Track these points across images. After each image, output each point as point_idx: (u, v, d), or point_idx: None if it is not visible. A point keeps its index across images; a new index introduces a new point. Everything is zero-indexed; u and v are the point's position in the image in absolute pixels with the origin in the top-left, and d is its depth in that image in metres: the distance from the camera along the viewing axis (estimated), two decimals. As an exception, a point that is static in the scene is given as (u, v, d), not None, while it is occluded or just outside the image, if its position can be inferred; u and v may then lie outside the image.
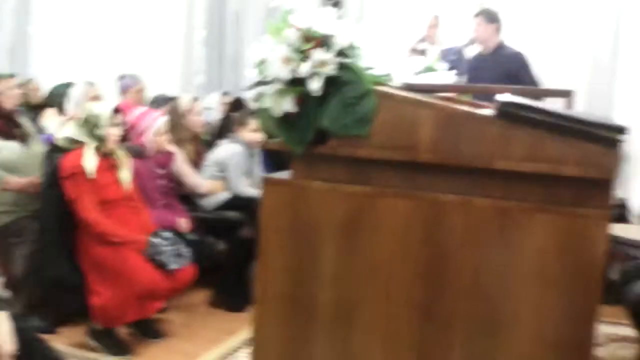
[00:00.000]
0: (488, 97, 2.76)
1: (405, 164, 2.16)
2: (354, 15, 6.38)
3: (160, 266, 3.77)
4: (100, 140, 3.84)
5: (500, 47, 5.61)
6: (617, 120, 3.05)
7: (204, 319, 4.47)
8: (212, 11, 7.22)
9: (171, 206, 4.55)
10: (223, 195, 4.91)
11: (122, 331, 3.95)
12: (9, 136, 4.08)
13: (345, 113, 2.15)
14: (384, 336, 2.25)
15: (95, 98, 5.01)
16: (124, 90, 5.69)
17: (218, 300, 4.71)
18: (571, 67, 5.91)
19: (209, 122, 5.66)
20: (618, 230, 4.70)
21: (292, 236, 2.32)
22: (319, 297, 2.30)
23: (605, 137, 1.96)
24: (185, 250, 3.94)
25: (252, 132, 4.93)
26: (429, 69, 3.28)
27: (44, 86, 6.06)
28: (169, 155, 4.56)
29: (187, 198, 4.86)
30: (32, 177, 4.02)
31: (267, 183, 2.36)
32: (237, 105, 5.72)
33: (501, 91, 2.26)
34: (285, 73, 2.13)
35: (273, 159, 5.17)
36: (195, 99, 5.33)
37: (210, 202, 4.89)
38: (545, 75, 5.56)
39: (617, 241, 4.64)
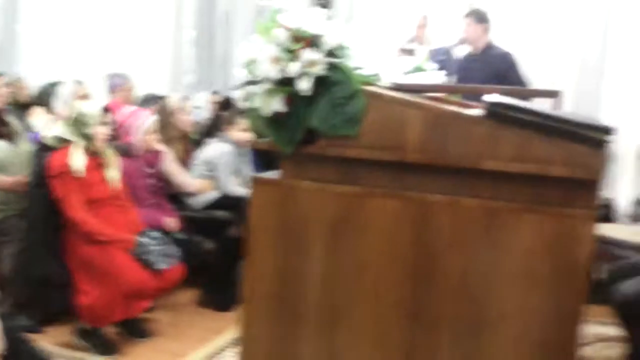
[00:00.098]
0: (477, 97, 2.76)
1: (393, 164, 2.17)
2: (344, 15, 6.38)
3: (148, 265, 3.77)
4: (89, 139, 3.83)
5: (489, 48, 5.62)
6: (604, 120, 3.06)
7: (192, 318, 4.46)
8: (201, 10, 7.21)
9: (160, 205, 4.54)
10: (212, 195, 4.90)
11: (109, 330, 3.93)
12: (-4, 135, 4.08)
13: (334, 113, 2.15)
14: (372, 336, 2.26)
15: (84, 97, 4.99)
16: (113, 89, 5.67)
17: (206, 300, 4.70)
18: (559, 68, 5.94)
19: (198, 122, 5.65)
20: (605, 230, 4.73)
21: (281, 236, 2.32)
22: (307, 297, 2.30)
23: (592, 138, 1.97)
24: (173, 250, 3.94)
25: (241, 132, 4.93)
26: (418, 69, 3.28)
27: (32, 85, 6.03)
28: (157, 154, 4.55)
29: (175, 197, 4.85)
30: (19, 176, 4.01)
31: (256, 183, 2.36)
32: (226, 104, 5.72)
33: (489, 91, 2.27)
34: (274, 73, 2.13)
35: (262, 158, 5.17)
36: (185, 98, 5.33)
37: (198, 202, 4.89)
38: (534, 75, 5.58)
39: (604, 241, 4.67)
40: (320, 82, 2.14)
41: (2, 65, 6.68)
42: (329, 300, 2.28)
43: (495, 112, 2.05)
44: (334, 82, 2.14)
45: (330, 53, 2.15)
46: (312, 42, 2.13)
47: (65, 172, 3.74)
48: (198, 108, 5.82)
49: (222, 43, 7.24)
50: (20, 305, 3.98)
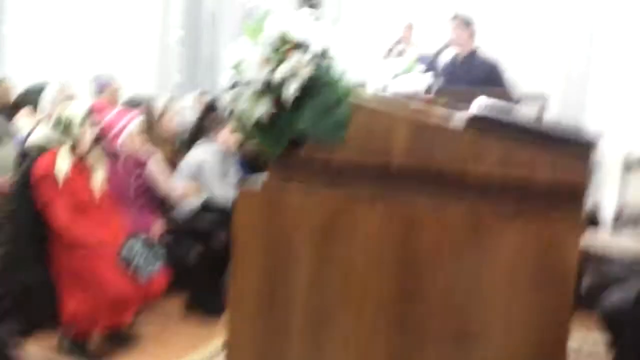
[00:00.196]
0: (464, 101, 2.77)
1: (380, 169, 2.16)
2: (331, 17, 6.38)
3: (133, 271, 3.74)
4: (74, 142, 3.80)
5: (475, 53, 5.63)
6: (590, 127, 3.07)
7: (178, 324, 4.43)
8: (188, 11, 7.19)
9: (146, 209, 4.52)
10: (198, 199, 4.88)
11: (95, 338, 3.90)
12: (-19, 136, 4.05)
13: (321, 118, 2.14)
14: (358, 345, 2.24)
15: (70, 98, 4.96)
16: (99, 90, 5.65)
17: (192, 306, 4.67)
18: (546, 75, 5.96)
19: (185, 123, 5.63)
20: (590, 238, 4.75)
21: (267, 241, 2.30)
22: (294, 305, 2.29)
23: (577, 146, 1.97)
24: (158, 255, 3.92)
25: (227, 135, 4.91)
26: (406, 72, 3.29)
27: (18, 86, 5.99)
28: (143, 157, 4.53)
29: (161, 201, 4.82)
30: (0, 178, 3.97)
31: (242, 187, 2.35)
32: (212, 106, 5.70)
33: (477, 95, 2.27)
34: (261, 76, 2.12)
35: (249, 161, 5.16)
36: (171, 100, 5.31)
37: (185, 206, 4.86)
38: (521, 82, 5.59)
39: (590, 249, 4.69)
40: (308, 87, 2.14)
41: (-13, 67, 6.65)
42: (316, 307, 2.27)
43: (481, 120, 2.04)
44: (320, 87, 2.14)
45: (318, 57, 2.14)
46: (299, 45, 2.12)
47: (50, 176, 3.71)
48: (184, 109, 5.80)
49: (209, 44, 7.22)
50: (5, 311, 3.94)
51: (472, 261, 2.09)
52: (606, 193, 5.40)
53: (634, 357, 3.06)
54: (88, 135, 3.85)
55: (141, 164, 4.52)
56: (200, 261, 4.65)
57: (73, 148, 3.80)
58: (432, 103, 2.76)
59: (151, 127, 4.80)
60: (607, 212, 5.33)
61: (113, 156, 4.27)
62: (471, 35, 5.62)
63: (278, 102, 2.15)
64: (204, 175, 4.90)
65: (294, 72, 2.09)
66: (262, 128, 2.20)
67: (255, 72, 2.11)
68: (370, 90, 2.39)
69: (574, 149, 1.98)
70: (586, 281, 3.71)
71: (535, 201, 2.04)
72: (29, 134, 4.32)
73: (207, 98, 6.05)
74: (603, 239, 4.85)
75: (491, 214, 2.06)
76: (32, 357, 3.70)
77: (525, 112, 2.88)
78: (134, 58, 6.62)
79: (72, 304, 3.70)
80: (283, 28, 2.13)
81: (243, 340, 2.38)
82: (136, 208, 4.46)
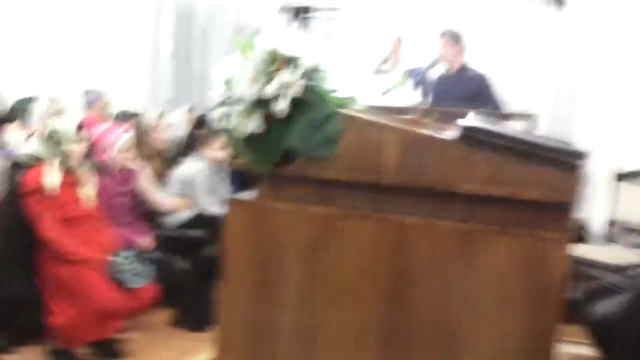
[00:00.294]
0: (453, 118, 2.78)
1: (370, 185, 2.17)
2: (321, 35, 6.40)
3: (121, 285, 3.74)
4: (64, 156, 3.80)
5: (464, 69, 5.66)
6: (578, 142, 3.10)
7: (165, 338, 4.41)
8: (179, 26, 7.20)
9: (134, 224, 4.51)
10: (187, 213, 4.87)
11: (82, 351, 3.88)
12: (-31, 151, 4.03)
13: (311, 134, 2.15)
14: (348, 357, 2.25)
15: (59, 113, 4.95)
16: (88, 105, 5.64)
17: (180, 320, 4.66)
18: (535, 92, 6.00)
19: (174, 139, 5.63)
20: (579, 250, 4.77)
21: (257, 257, 2.30)
22: (283, 320, 2.29)
23: (565, 161, 1.99)
24: (146, 269, 3.91)
25: (217, 150, 4.91)
26: (394, 89, 3.30)
27: (7, 100, 5.97)
28: (132, 172, 4.53)
29: (150, 216, 4.81)
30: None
31: (232, 203, 2.35)
32: (202, 121, 5.70)
33: (465, 113, 2.28)
34: (252, 92, 2.13)
35: (239, 177, 5.15)
36: (160, 115, 5.31)
37: (173, 220, 4.86)
38: (510, 99, 5.63)
39: (578, 261, 4.71)
40: (297, 103, 2.14)
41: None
42: (306, 322, 2.27)
43: (470, 136, 2.06)
44: (310, 103, 2.14)
45: (307, 74, 2.15)
46: (289, 63, 2.13)
47: (39, 190, 3.71)
48: (174, 125, 5.79)
49: (200, 59, 7.23)
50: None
51: (461, 275, 2.10)
52: (596, 207, 5.43)
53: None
54: (78, 149, 3.85)
55: (130, 179, 4.52)
56: (188, 275, 4.64)
57: (62, 162, 3.80)
58: (421, 120, 2.77)
59: (141, 141, 4.79)
60: (597, 226, 5.35)
61: (102, 171, 4.27)
62: (460, 51, 5.65)
63: (268, 118, 2.15)
64: (194, 190, 4.90)
65: (285, 88, 2.10)
66: (253, 144, 2.20)
67: (246, 89, 2.12)
68: (360, 106, 2.40)
69: (562, 164, 1.99)
70: (575, 293, 3.72)
71: (523, 215, 2.05)
72: (18, 148, 4.31)
73: (196, 113, 6.05)
74: (593, 252, 4.87)
75: (480, 228, 2.07)
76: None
77: (515, 127, 2.90)
78: (124, 72, 6.61)
79: (60, 314, 3.69)
80: (274, 44, 2.14)
81: (233, 356, 2.38)
82: (125, 223, 4.45)
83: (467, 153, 2.05)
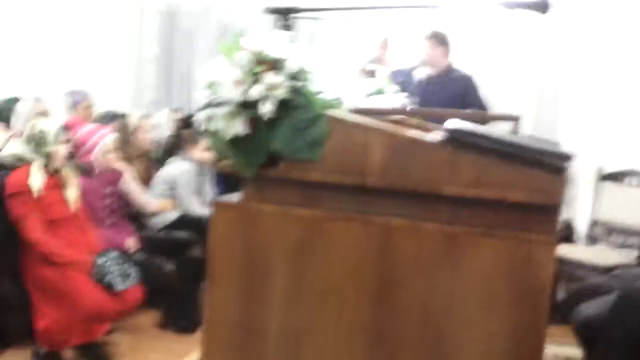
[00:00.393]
0: (438, 119, 2.78)
1: (355, 187, 2.17)
2: (306, 37, 6.40)
3: (107, 287, 3.72)
4: (48, 157, 3.78)
5: (449, 70, 5.66)
6: (563, 143, 3.11)
7: (153, 340, 4.40)
8: (163, 27, 7.17)
9: (119, 225, 4.49)
10: (172, 215, 4.86)
11: (68, 354, 3.86)
12: (-49, 153, 4.00)
13: (297, 137, 2.15)
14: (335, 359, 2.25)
15: (43, 114, 4.93)
16: (73, 106, 5.61)
17: (167, 322, 4.64)
18: (519, 93, 6.02)
19: (159, 140, 5.60)
20: (565, 251, 4.80)
21: (243, 260, 2.30)
22: (270, 322, 2.29)
23: (551, 163, 1.99)
24: (132, 271, 3.89)
25: (203, 151, 4.90)
26: (380, 91, 3.30)
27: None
28: (117, 173, 4.51)
29: (135, 217, 4.80)
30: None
31: (218, 206, 2.34)
32: (187, 122, 5.68)
33: (450, 115, 2.28)
34: (236, 95, 2.12)
35: (225, 177, 5.15)
36: (145, 116, 5.29)
37: (159, 221, 4.84)
38: (494, 101, 5.64)
39: (564, 262, 4.74)
40: (283, 106, 2.14)
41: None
42: (292, 325, 2.27)
43: (455, 138, 2.06)
44: (296, 105, 2.14)
45: (293, 76, 2.14)
46: (274, 65, 2.13)
47: (24, 192, 3.68)
48: (158, 126, 5.77)
49: (184, 60, 7.21)
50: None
51: (447, 277, 2.11)
52: (579, 207, 5.46)
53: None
54: (61, 151, 3.83)
55: (115, 180, 4.50)
56: (174, 277, 4.63)
57: (46, 164, 3.78)
58: (406, 122, 2.77)
59: (124, 144, 4.77)
60: (580, 226, 5.38)
61: (87, 172, 4.25)
62: (445, 52, 5.65)
63: (253, 121, 2.15)
64: (179, 191, 4.89)
65: (269, 91, 2.10)
66: (237, 147, 2.20)
67: (230, 92, 2.11)
68: (346, 107, 2.40)
69: (548, 166, 2.00)
70: (562, 294, 3.73)
71: (509, 218, 2.06)
72: (1, 150, 4.28)
73: (180, 114, 6.03)
74: (578, 252, 4.90)
75: (466, 230, 2.08)
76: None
77: (500, 129, 2.91)
78: (108, 73, 6.58)
79: (46, 317, 3.67)
80: (259, 46, 2.14)
81: (219, 358, 2.37)
82: (110, 224, 4.43)
83: (453, 155, 2.05)
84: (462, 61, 5.80)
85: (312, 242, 2.23)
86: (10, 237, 3.72)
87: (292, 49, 2.16)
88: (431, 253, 2.11)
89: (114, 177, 4.49)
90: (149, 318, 4.63)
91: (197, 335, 2.59)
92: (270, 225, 2.26)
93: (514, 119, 2.57)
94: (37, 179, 3.71)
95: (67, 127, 3.94)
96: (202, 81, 2.22)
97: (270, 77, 2.10)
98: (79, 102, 5.60)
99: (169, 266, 4.62)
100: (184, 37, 7.15)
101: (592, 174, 5.40)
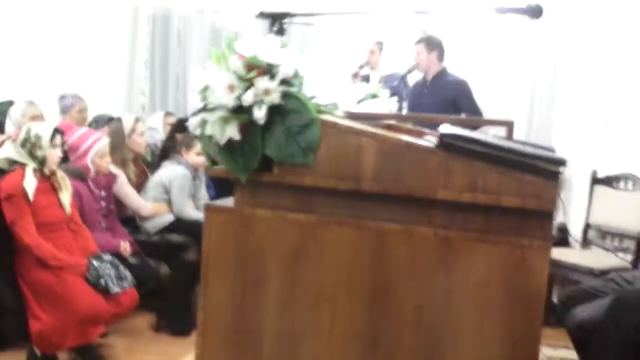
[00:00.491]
0: (430, 124, 2.79)
1: (349, 192, 2.17)
2: (298, 42, 6.40)
3: (102, 290, 3.71)
4: (40, 161, 3.77)
5: (442, 74, 5.66)
6: (557, 147, 3.11)
7: (148, 343, 4.40)
8: (155, 30, 7.16)
9: (114, 229, 4.48)
10: (167, 218, 4.85)
11: (63, 356, 3.86)
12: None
13: (290, 141, 2.14)
14: (329, 364, 2.24)
15: (36, 117, 4.92)
16: (66, 109, 5.60)
17: (161, 325, 4.64)
18: (512, 98, 6.04)
19: (153, 143, 5.60)
20: (560, 254, 4.81)
21: (237, 264, 2.29)
22: (264, 326, 2.28)
23: (544, 169, 1.99)
24: (127, 274, 3.89)
25: (197, 155, 4.90)
26: (372, 96, 3.30)
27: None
28: (110, 177, 4.50)
29: (129, 221, 4.79)
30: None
31: (211, 210, 2.34)
32: (181, 126, 5.67)
33: (443, 121, 2.28)
34: (229, 101, 2.12)
35: (217, 182, 5.14)
36: (138, 120, 5.28)
37: (153, 225, 4.83)
38: (487, 105, 5.65)
39: (559, 265, 4.74)
40: (276, 111, 2.14)
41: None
42: (286, 330, 2.26)
43: (450, 143, 2.06)
44: (289, 110, 2.14)
45: (285, 81, 2.14)
46: (267, 70, 2.12)
47: (17, 195, 3.68)
48: (152, 129, 5.76)
49: (176, 64, 7.20)
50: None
51: (441, 282, 2.10)
52: (574, 211, 5.46)
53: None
54: (54, 155, 3.82)
55: (109, 184, 4.49)
56: (169, 280, 4.63)
57: (39, 168, 3.77)
58: (398, 127, 2.77)
59: (118, 147, 4.75)
60: (574, 230, 5.39)
61: (80, 176, 4.24)
62: (437, 57, 5.65)
63: (246, 126, 2.14)
64: (173, 195, 4.89)
65: (263, 96, 2.09)
66: (230, 152, 2.19)
67: (223, 97, 2.11)
68: (339, 112, 2.39)
69: (542, 172, 2.00)
70: (556, 297, 3.73)
71: (504, 223, 2.06)
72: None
73: (173, 118, 6.03)
74: (572, 256, 4.91)
75: (459, 235, 2.07)
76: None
77: (494, 134, 2.91)
78: (100, 77, 6.57)
79: (41, 319, 3.66)
80: (252, 51, 2.13)
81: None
82: (104, 227, 4.42)
83: (447, 160, 2.05)
84: (455, 66, 5.81)
85: (306, 247, 2.22)
86: (5, 240, 3.71)
87: (285, 54, 2.16)
88: (425, 258, 2.11)
89: (108, 180, 4.48)
90: (144, 321, 4.64)
91: (192, 338, 2.58)
92: (264, 230, 2.26)
93: (508, 123, 2.57)
94: (31, 182, 3.70)
95: (60, 131, 3.92)
96: (195, 86, 2.21)
97: (264, 82, 2.10)
98: (72, 106, 5.59)
99: (164, 269, 4.62)
100: (176, 40, 7.15)
101: (586, 177, 5.41)
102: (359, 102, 3.16)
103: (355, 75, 6.15)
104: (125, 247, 4.36)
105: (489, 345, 2.07)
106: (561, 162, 2.04)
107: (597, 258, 4.92)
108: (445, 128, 2.16)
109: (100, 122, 5.39)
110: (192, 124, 2.21)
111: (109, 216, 4.49)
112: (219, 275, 2.31)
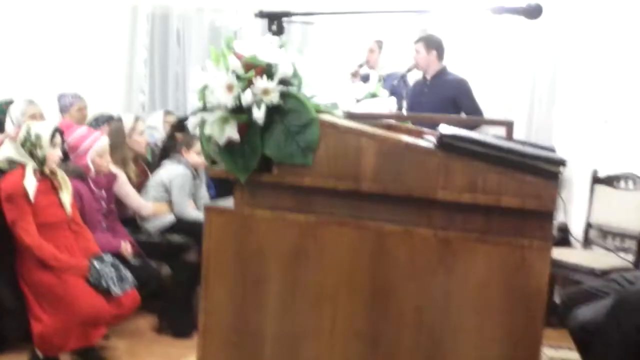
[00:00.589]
0: (430, 124, 2.78)
1: (349, 193, 2.16)
2: (297, 42, 6.39)
3: (103, 291, 3.71)
4: (40, 160, 3.76)
5: (442, 73, 5.64)
6: (557, 147, 3.10)
7: (149, 345, 4.39)
8: (154, 29, 7.15)
9: (113, 229, 4.47)
10: (168, 218, 4.84)
11: (65, 358, 3.85)
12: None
13: (289, 141, 2.13)
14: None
15: (36, 116, 4.91)
16: (65, 108, 5.59)
17: (163, 326, 4.63)
18: (511, 98, 6.02)
19: (154, 142, 5.59)
20: (561, 254, 4.80)
21: (237, 265, 2.29)
22: (265, 327, 2.28)
23: (544, 169, 1.99)
24: (128, 275, 3.89)
25: (197, 154, 4.89)
26: (371, 95, 3.29)
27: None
28: (111, 176, 4.49)
29: (130, 221, 4.78)
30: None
31: (210, 210, 2.33)
32: (181, 125, 5.66)
33: (442, 120, 2.27)
34: (228, 100, 2.11)
35: (217, 182, 5.13)
36: (138, 119, 5.28)
37: (154, 225, 4.82)
38: (487, 104, 5.64)
39: (560, 265, 4.73)
40: (275, 111, 2.13)
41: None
42: (286, 331, 2.26)
43: (449, 143, 2.05)
44: (288, 110, 2.13)
45: (284, 81, 2.13)
46: (265, 70, 2.11)
47: (17, 195, 3.67)
48: (152, 128, 5.75)
49: (176, 62, 7.19)
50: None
51: (442, 282, 2.10)
52: (575, 210, 5.45)
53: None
54: (54, 155, 3.81)
55: (109, 183, 4.48)
56: (170, 281, 4.62)
57: (39, 168, 3.76)
58: (398, 127, 2.76)
59: (118, 146, 4.75)
60: (575, 229, 5.38)
61: (80, 176, 4.23)
62: (436, 56, 5.64)
63: (244, 127, 2.14)
64: (173, 194, 4.87)
65: (262, 96, 2.08)
66: (229, 152, 2.18)
67: (222, 97, 2.10)
68: (339, 112, 2.39)
69: (542, 172, 1.99)
70: (558, 298, 3.72)
71: (504, 223, 2.05)
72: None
73: (173, 117, 6.02)
74: (574, 256, 4.90)
75: (459, 235, 2.07)
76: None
77: (494, 134, 2.90)
78: (99, 76, 6.56)
79: (43, 321, 3.66)
80: (251, 51, 2.12)
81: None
82: (104, 228, 4.41)
83: (447, 160, 2.04)
84: (455, 65, 5.80)
85: (306, 247, 2.22)
86: (6, 240, 3.70)
87: (284, 53, 2.15)
88: (425, 258, 2.10)
89: (109, 180, 4.48)
90: (145, 322, 4.63)
91: (194, 340, 2.58)
92: (264, 230, 2.25)
93: (508, 123, 2.56)
94: (31, 182, 3.69)
95: (59, 130, 3.91)
96: (193, 85, 2.21)
97: (263, 82, 2.09)
98: (72, 104, 5.58)
99: (165, 270, 4.61)
100: (175, 39, 7.14)
101: (587, 177, 5.40)
102: (358, 101, 3.14)
103: (354, 75, 6.13)
104: (126, 247, 4.35)
105: (489, 346, 2.07)
106: (561, 163, 2.03)
107: (598, 258, 4.91)
108: (445, 128, 2.15)
109: (99, 121, 5.39)
110: (191, 123, 2.20)
111: (109, 216, 4.48)
112: (219, 277, 2.31)
